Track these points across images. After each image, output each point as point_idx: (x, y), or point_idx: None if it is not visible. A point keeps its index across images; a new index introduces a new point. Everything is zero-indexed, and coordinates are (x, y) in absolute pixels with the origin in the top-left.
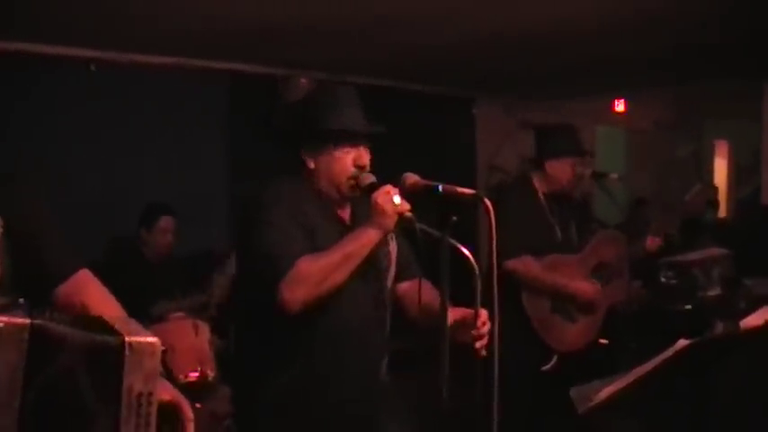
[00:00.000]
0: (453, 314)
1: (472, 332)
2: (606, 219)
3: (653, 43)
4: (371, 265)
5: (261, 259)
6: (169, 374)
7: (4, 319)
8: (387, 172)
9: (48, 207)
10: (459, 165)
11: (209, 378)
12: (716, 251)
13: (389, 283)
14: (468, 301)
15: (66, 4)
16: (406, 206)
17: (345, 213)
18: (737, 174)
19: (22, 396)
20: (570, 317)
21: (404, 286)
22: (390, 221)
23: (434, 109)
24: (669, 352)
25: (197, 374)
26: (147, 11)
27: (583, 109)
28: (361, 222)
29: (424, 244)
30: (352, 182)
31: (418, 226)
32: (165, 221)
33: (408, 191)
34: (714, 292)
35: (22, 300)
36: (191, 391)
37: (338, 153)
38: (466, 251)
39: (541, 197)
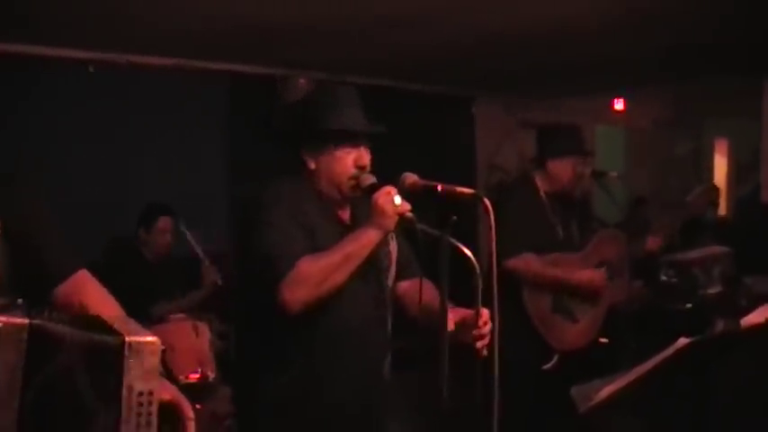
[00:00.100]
0: (455, 315)
1: (473, 332)
2: (605, 218)
3: (652, 41)
4: (372, 265)
5: (261, 260)
6: (169, 374)
7: (3, 319)
8: (386, 172)
9: (47, 207)
10: (459, 164)
11: (210, 379)
12: (716, 249)
13: (390, 282)
14: (468, 301)
15: (66, 6)
16: (407, 206)
17: (345, 214)
18: (737, 172)
19: (21, 396)
20: (571, 316)
21: (404, 285)
22: (391, 222)
23: (434, 108)
24: (670, 350)
25: (197, 375)
26: (147, 12)
27: (582, 108)
28: (360, 223)
29: (424, 244)
30: (353, 182)
31: (419, 226)
32: (164, 222)
33: (407, 191)
34: (714, 290)
35: (20, 300)
36: (191, 391)
37: (339, 153)
38: (467, 251)
39: (543, 196)
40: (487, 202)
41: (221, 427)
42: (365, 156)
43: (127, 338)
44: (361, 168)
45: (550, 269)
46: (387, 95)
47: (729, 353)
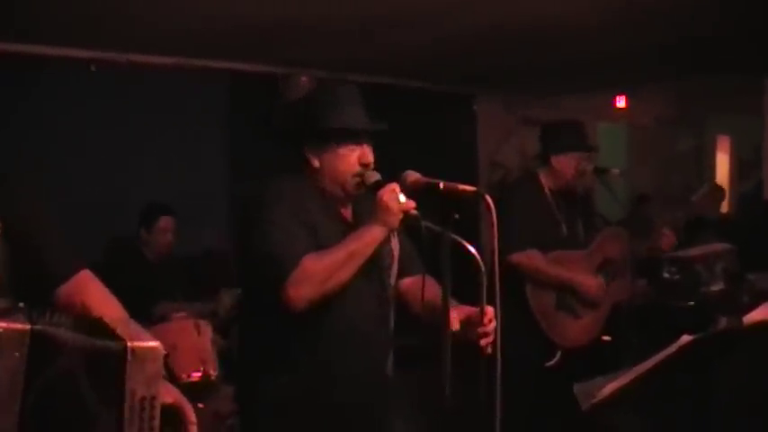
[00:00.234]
0: (459, 314)
1: (478, 330)
2: (607, 215)
3: (653, 38)
4: (374, 263)
5: (264, 258)
6: (171, 375)
7: (5, 324)
8: (388, 170)
9: (47, 207)
10: (460, 162)
11: (212, 377)
12: (719, 246)
13: (392, 280)
14: (472, 298)
15: (66, 5)
16: (412, 204)
17: (347, 211)
18: (739, 169)
19: (23, 401)
20: (574, 313)
21: (406, 282)
22: (395, 219)
23: (435, 106)
24: (672, 348)
25: (200, 374)
26: (147, 11)
27: (584, 105)
28: (363, 220)
29: (428, 241)
30: (358, 180)
31: (423, 224)
32: (165, 221)
33: (409, 188)
34: (717, 287)
35: (21, 304)
36: (193, 390)
37: (343, 151)
38: (471, 248)
39: (548, 193)
40: (489, 199)
41: (223, 426)
42: (369, 153)
43: (129, 344)
44: (365, 166)
45: (553, 267)
46: (388, 93)
47: (732, 350)
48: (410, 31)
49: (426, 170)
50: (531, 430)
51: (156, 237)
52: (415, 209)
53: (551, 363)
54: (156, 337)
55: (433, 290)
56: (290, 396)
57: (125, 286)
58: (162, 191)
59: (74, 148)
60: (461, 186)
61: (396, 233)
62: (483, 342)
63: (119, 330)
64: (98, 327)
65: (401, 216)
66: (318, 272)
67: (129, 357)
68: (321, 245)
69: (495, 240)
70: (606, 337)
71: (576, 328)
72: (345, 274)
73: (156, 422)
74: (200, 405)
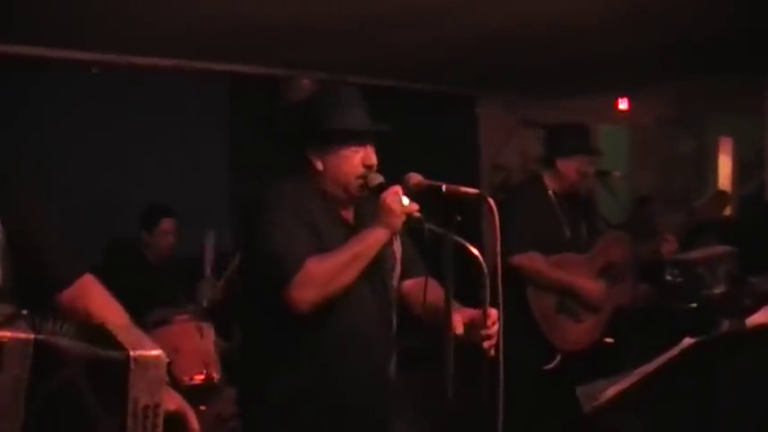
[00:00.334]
0: (463, 317)
1: (481, 332)
2: (609, 217)
3: (655, 39)
4: (377, 265)
5: (266, 260)
6: (173, 379)
7: (8, 334)
8: (390, 172)
9: (47, 209)
10: (462, 164)
11: (215, 380)
12: (721, 249)
13: (395, 282)
14: (473, 301)
15: (66, 7)
16: (415, 206)
17: (348, 214)
18: (741, 170)
19: (26, 409)
20: (575, 316)
21: (409, 284)
22: (398, 221)
23: (437, 108)
24: (675, 351)
25: (202, 376)
26: (146, 12)
27: (586, 107)
28: (364, 223)
29: (431, 243)
30: (361, 182)
31: (427, 226)
32: (167, 223)
33: (412, 191)
34: (719, 289)
35: (25, 311)
36: (195, 393)
37: (346, 153)
38: (474, 250)
39: (551, 196)
40: (492, 201)
41: (226, 429)
42: (372, 155)
43: (132, 353)
44: (368, 167)
45: (554, 270)
46: (389, 95)
47: (734, 353)
48: (412, 32)
49: (428, 172)
50: None
51: (157, 238)
52: (418, 211)
53: (550, 366)
54: (159, 340)
55: (435, 292)
56: (292, 398)
57: (126, 288)
58: (162, 192)
59: (75, 150)
60: (464, 189)
61: (398, 235)
62: (486, 344)
63: (121, 338)
64: (101, 334)
65: (404, 218)
66: (322, 274)
67: (132, 366)
68: (323, 247)
69: (498, 243)
70: (608, 340)
71: (577, 332)
72: (349, 277)
73: (160, 430)
74: (203, 408)
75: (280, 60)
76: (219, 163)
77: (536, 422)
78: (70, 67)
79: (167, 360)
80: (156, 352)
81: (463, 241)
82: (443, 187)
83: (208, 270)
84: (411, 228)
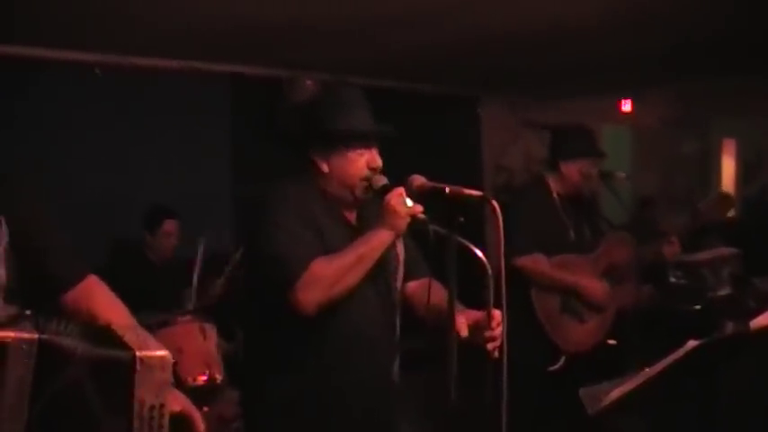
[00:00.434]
0: (467, 319)
1: (485, 334)
2: (612, 218)
3: (658, 40)
4: (380, 267)
5: (271, 261)
6: (178, 380)
7: (12, 333)
8: (392, 173)
9: (48, 211)
10: (465, 165)
11: (217, 381)
12: (725, 251)
13: (398, 284)
14: (477, 302)
15: (67, 8)
16: (419, 208)
17: (351, 215)
18: (744, 171)
19: (30, 409)
20: (579, 317)
21: (412, 286)
22: (403, 223)
23: (439, 109)
24: (680, 353)
25: (205, 378)
26: (148, 13)
27: (589, 108)
28: (367, 224)
29: (435, 245)
30: (365, 183)
31: (431, 227)
32: (169, 225)
33: (415, 193)
34: (723, 291)
35: (29, 311)
36: (198, 394)
37: (351, 155)
38: (478, 252)
39: (556, 198)
40: (495, 203)
41: (229, 430)
42: (377, 157)
43: (138, 353)
44: (373, 170)
45: (557, 271)
46: (391, 96)
47: (738, 355)
48: (414, 33)
49: (430, 173)
50: None
51: (159, 240)
52: (422, 213)
53: (555, 367)
54: (161, 341)
55: (438, 293)
56: (295, 399)
57: (127, 289)
58: (164, 193)
59: (76, 151)
60: (467, 191)
61: (400, 237)
62: (490, 346)
63: (127, 339)
64: (106, 335)
65: (408, 220)
66: (328, 276)
67: (137, 366)
68: (327, 248)
69: (502, 244)
70: (612, 341)
71: (581, 333)
72: (354, 278)
73: (166, 431)
74: (205, 408)
75: (281, 61)
76: (221, 163)
77: (540, 423)
78: (73, 67)
79: (173, 360)
80: (161, 352)
81: (467, 243)
82: (446, 189)
83: (195, 280)
84: (415, 229)
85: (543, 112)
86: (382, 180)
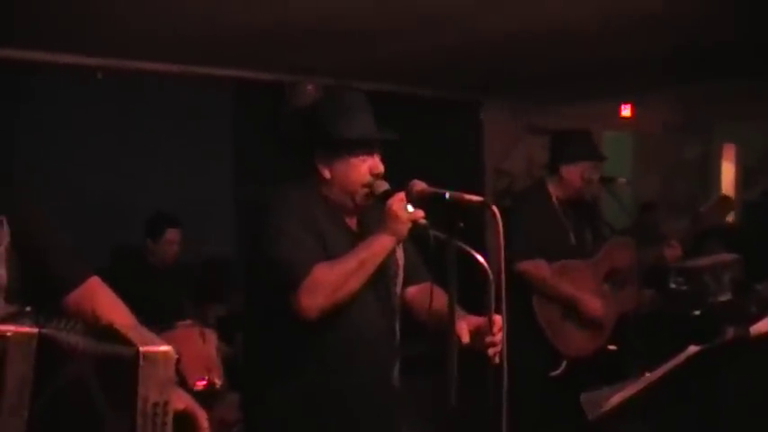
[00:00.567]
0: (468, 324)
1: (486, 339)
2: (613, 223)
3: (660, 45)
4: (380, 272)
5: (273, 265)
6: (182, 381)
7: (12, 328)
8: (394, 178)
9: (49, 213)
10: (466, 169)
11: (217, 386)
12: (726, 256)
13: (398, 289)
14: (477, 307)
15: (70, 12)
16: (420, 213)
17: (352, 221)
18: (745, 176)
19: (31, 405)
20: (581, 322)
21: (412, 291)
22: (404, 228)
23: (441, 114)
24: (679, 358)
25: (205, 382)
26: (152, 18)
27: (590, 113)
28: (368, 230)
29: (436, 251)
30: (367, 190)
31: (432, 233)
32: (172, 234)
33: (416, 198)
34: (724, 297)
35: (28, 308)
36: (198, 398)
37: (354, 161)
38: (479, 257)
39: (556, 202)
40: (495, 209)
41: None
42: (380, 163)
43: (141, 349)
44: (375, 176)
45: (558, 281)
46: (393, 101)
47: (739, 360)
48: (416, 38)
49: (432, 178)
50: None
51: (162, 248)
52: (424, 218)
53: (556, 372)
54: None
55: (440, 298)
56: (295, 404)
57: (128, 295)
58: (166, 198)
59: (78, 155)
60: (468, 196)
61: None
62: (491, 351)
63: (130, 335)
64: (109, 333)
65: (410, 225)
66: (330, 281)
67: (141, 362)
68: (328, 254)
69: (502, 249)
70: (612, 347)
71: (582, 338)
72: (356, 283)
73: (169, 428)
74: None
75: (284, 66)
76: (224, 169)
77: (542, 428)
78: (75, 71)
79: (176, 356)
80: (165, 348)
81: (468, 248)
82: (447, 194)
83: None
84: (416, 234)
85: (544, 116)
86: (383, 185)
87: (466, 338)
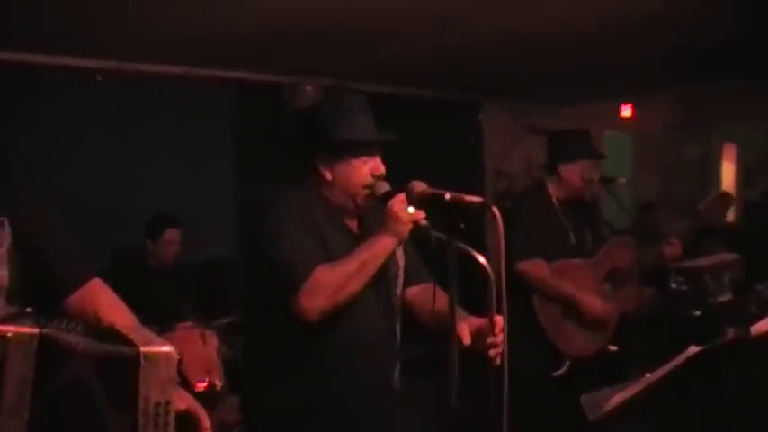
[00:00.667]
0: (469, 326)
1: (487, 340)
2: (613, 223)
3: (660, 46)
4: (381, 274)
5: (274, 267)
6: (185, 382)
7: (13, 328)
8: (394, 179)
9: (50, 214)
10: (466, 170)
11: (217, 387)
12: (727, 256)
13: (398, 290)
14: (478, 308)
15: (71, 14)
16: (421, 214)
17: (353, 223)
18: (745, 176)
19: (32, 406)
20: (582, 322)
21: (413, 291)
22: (405, 229)
23: (440, 115)
24: (680, 358)
25: (205, 384)
26: (152, 20)
27: (591, 113)
28: (369, 232)
29: (437, 251)
30: (368, 191)
31: (433, 234)
32: (171, 234)
33: (416, 199)
34: (725, 297)
35: (29, 309)
36: (198, 400)
37: (356, 162)
38: (480, 258)
39: (555, 203)
40: (495, 209)
41: None
42: (381, 165)
43: (143, 349)
44: (377, 177)
45: (558, 281)
46: (392, 102)
47: (739, 360)
48: (415, 39)
49: (431, 179)
50: None
51: (161, 248)
52: (425, 219)
53: (559, 372)
54: None
55: (442, 299)
56: (296, 405)
57: (128, 296)
58: (167, 199)
59: (78, 157)
60: (467, 197)
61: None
62: (492, 352)
63: (132, 336)
64: (110, 334)
65: (411, 226)
66: (332, 282)
67: (142, 362)
68: (329, 256)
69: (502, 250)
70: (612, 347)
71: (583, 338)
72: (357, 285)
73: (171, 428)
74: None
75: (284, 67)
76: (225, 170)
77: (544, 429)
78: (75, 74)
79: (178, 357)
80: (166, 348)
81: (469, 248)
82: (447, 195)
83: None
84: (416, 235)
85: (544, 117)
86: (384, 186)
87: (467, 339)
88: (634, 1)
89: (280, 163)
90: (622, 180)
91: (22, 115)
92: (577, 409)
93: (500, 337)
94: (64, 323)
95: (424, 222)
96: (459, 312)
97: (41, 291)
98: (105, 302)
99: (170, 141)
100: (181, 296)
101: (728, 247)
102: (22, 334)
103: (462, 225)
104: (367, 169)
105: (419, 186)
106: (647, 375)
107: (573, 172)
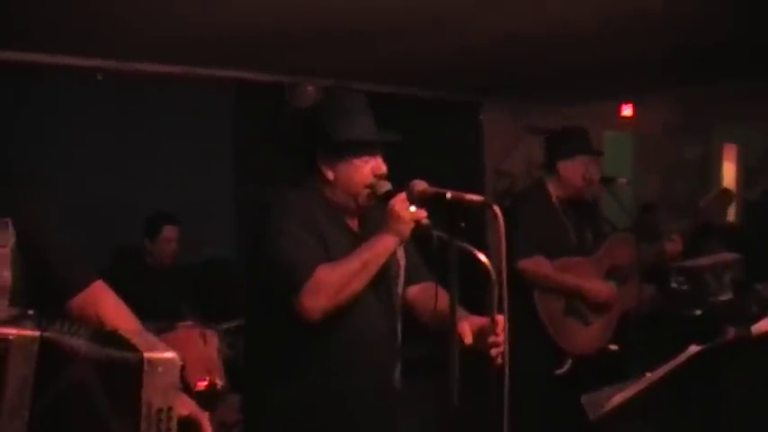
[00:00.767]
0: (471, 325)
1: (489, 340)
2: (614, 223)
3: (660, 46)
4: (382, 273)
5: (275, 267)
6: (186, 386)
7: (14, 331)
8: (395, 179)
9: (49, 215)
10: (467, 170)
11: (218, 387)
12: (727, 256)
13: (399, 290)
14: (480, 308)
15: (71, 14)
16: (423, 213)
17: (354, 223)
18: (746, 176)
19: (32, 408)
20: (584, 319)
21: (414, 291)
22: (407, 228)
23: (441, 115)
24: (681, 358)
25: (205, 383)
26: (152, 20)
27: (591, 113)
28: (370, 231)
29: (439, 251)
30: (369, 191)
31: (435, 233)
32: (169, 231)
33: (417, 198)
34: (725, 296)
35: (31, 311)
36: (199, 400)
37: (358, 162)
38: (482, 256)
39: (556, 202)
40: (497, 208)
41: None
42: (382, 164)
43: (146, 354)
44: (378, 177)
45: (560, 274)
46: (393, 102)
47: (740, 360)
48: (416, 39)
49: (432, 179)
50: None
51: (159, 246)
52: (426, 218)
53: (562, 371)
54: None
55: (443, 298)
56: (296, 405)
57: (127, 296)
58: (167, 199)
59: (78, 156)
60: (468, 196)
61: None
62: (494, 352)
63: (134, 341)
64: (113, 338)
65: (412, 225)
66: (333, 282)
67: (145, 368)
68: (330, 256)
69: (503, 249)
70: (613, 347)
71: (586, 335)
72: (359, 284)
73: None
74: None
75: (284, 67)
76: (225, 169)
77: (546, 428)
78: (75, 73)
79: (181, 363)
80: (169, 354)
81: (471, 247)
82: (448, 194)
83: None
84: (417, 235)
85: (544, 117)
86: (385, 186)
87: (469, 339)
88: (634, 1)
89: (280, 163)
90: (623, 180)
91: (22, 115)
92: (578, 409)
93: (502, 337)
94: (66, 326)
95: (425, 221)
96: (461, 312)
97: (43, 291)
98: (108, 306)
99: (170, 141)
100: (179, 296)
101: (729, 247)
102: (24, 337)
103: (463, 224)
104: (368, 169)
105: (420, 185)
106: (648, 375)
107: (572, 169)
